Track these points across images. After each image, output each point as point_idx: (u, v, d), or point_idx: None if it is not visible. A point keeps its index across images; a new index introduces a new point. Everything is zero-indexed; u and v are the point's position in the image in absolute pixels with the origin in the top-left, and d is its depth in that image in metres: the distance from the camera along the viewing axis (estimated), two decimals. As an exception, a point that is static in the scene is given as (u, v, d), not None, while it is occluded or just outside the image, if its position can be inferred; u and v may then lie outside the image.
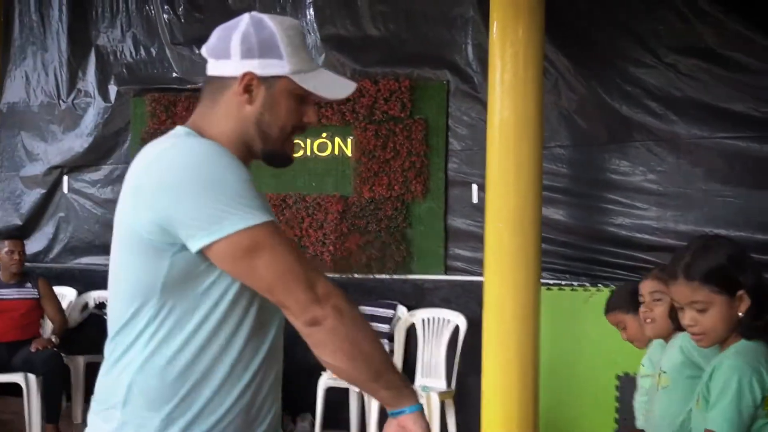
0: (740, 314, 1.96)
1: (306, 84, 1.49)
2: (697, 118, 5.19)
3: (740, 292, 1.94)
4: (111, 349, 1.43)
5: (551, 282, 5.19)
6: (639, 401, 3.12)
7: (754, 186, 5.12)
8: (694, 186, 5.23)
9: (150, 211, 1.32)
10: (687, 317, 1.99)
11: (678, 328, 2.23)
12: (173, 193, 1.32)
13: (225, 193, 1.32)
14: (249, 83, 1.46)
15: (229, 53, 1.48)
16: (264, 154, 1.54)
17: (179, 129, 1.49)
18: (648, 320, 3.02)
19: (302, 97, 1.52)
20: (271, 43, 1.46)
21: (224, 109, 1.49)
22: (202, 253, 1.31)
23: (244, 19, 1.48)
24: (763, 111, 5.06)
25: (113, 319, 1.44)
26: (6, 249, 5.81)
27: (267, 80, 1.48)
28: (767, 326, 1.99)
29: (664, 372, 2.57)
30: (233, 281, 1.37)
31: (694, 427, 2.03)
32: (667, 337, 2.85)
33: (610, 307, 3.32)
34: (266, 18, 1.50)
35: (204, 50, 1.55)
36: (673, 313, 2.23)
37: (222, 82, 1.50)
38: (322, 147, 6.17)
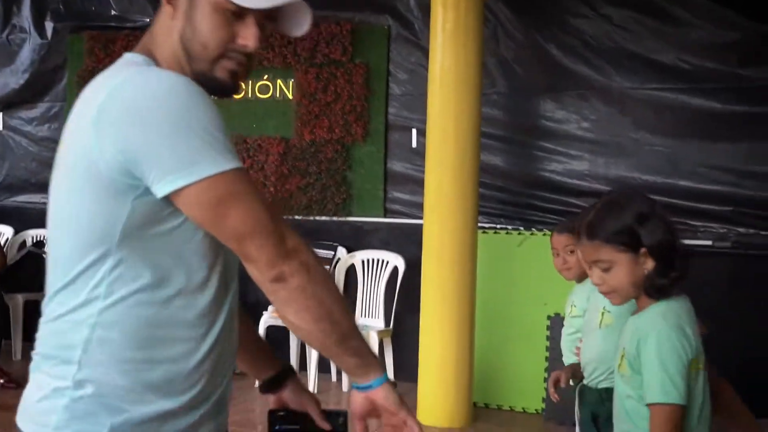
0: (646, 272, 1.90)
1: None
2: (630, 69, 5.16)
3: (642, 250, 1.88)
4: (60, 300, 1.26)
5: (487, 225, 5.16)
6: (566, 339, 3.06)
7: (681, 136, 5.17)
8: (625, 135, 5.22)
9: (114, 144, 1.15)
10: (594, 276, 1.94)
11: None
12: (142, 127, 1.15)
13: (197, 132, 1.17)
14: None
15: None
16: (196, 77, 1.31)
17: (133, 56, 1.30)
18: (564, 270, 3.09)
19: (234, 13, 1.28)
20: None
21: (159, 25, 1.34)
22: (167, 197, 1.15)
23: None
24: (692, 63, 5.10)
25: (61, 267, 1.26)
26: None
27: None
28: (673, 284, 1.92)
29: (608, 311, 2.50)
30: (196, 230, 1.22)
31: (617, 390, 1.96)
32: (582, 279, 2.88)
33: (563, 229, 3.22)
34: None
35: None
36: None
37: (158, 6, 1.38)
38: (263, 89, 6.01)
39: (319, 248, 5.81)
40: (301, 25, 1.35)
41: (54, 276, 1.27)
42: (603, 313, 2.65)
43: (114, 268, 1.19)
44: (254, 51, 1.29)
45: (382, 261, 5.63)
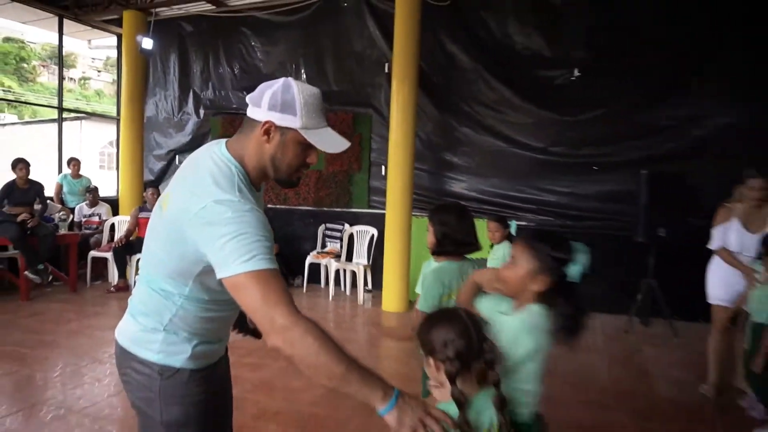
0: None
1: (310, 137, 1.32)
2: (490, 136, 6.41)
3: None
4: (156, 282, 1.40)
5: (417, 214, 6.07)
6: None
7: (513, 171, 6.34)
8: (485, 170, 6.47)
9: (196, 243, 1.27)
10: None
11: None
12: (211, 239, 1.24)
13: (241, 238, 1.22)
14: (268, 128, 1.32)
15: (260, 104, 1.33)
16: (276, 180, 1.40)
17: (230, 159, 1.35)
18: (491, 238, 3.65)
19: (307, 145, 1.34)
20: (291, 103, 1.30)
21: (252, 142, 1.35)
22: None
23: (279, 82, 1.34)
24: (518, 137, 6.27)
25: (159, 267, 1.38)
26: (150, 192, 6.41)
27: (282, 129, 1.32)
28: (454, 251, 2.17)
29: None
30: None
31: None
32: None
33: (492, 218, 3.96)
34: (294, 84, 1.33)
35: (247, 97, 1.40)
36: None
37: (254, 122, 1.35)
38: None
39: (336, 224, 6.94)
40: (339, 149, 1.39)
41: (154, 271, 1.40)
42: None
43: (191, 286, 1.37)
44: None
45: (367, 231, 6.65)
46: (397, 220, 5.99)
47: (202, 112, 7.96)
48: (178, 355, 1.39)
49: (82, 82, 29.92)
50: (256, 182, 1.41)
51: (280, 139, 1.34)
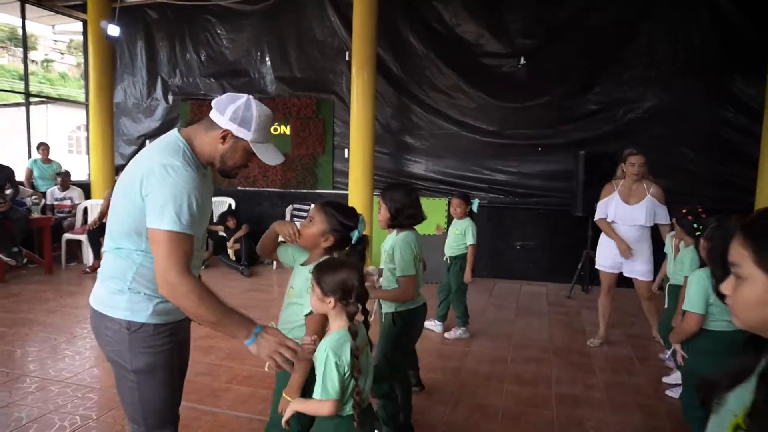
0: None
1: (256, 149, 1.54)
2: (444, 122, 6.54)
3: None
4: (117, 247, 1.53)
5: (376, 193, 5.91)
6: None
7: (464, 153, 6.51)
8: (439, 152, 6.63)
9: (145, 194, 1.43)
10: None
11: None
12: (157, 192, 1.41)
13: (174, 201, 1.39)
14: (225, 135, 1.51)
15: (224, 112, 1.51)
16: (219, 170, 1.61)
17: (179, 139, 1.52)
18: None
19: (252, 154, 1.56)
20: (249, 120, 1.50)
21: (208, 138, 1.53)
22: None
23: (242, 98, 1.53)
24: (473, 121, 6.46)
25: (118, 230, 1.52)
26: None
27: (236, 138, 1.52)
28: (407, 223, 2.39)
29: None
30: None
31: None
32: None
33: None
34: (254, 104, 1.52)
35: (213, 101, 1.55)
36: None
37: (213, 124, 1.53)
38: (275, 129, 7.20)
39: (304, 204, 7.00)
40: (276, 162, 1.60)
41: (114, 236, 1.54)
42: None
43: (145, 241, 1.48)
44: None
45: None
46: (360, 200, 6.11)
47: (170, 97, 7.92)
48: (141, 312, 1.51)
49: (45, 64, 28.66)
50: (203, 163, 1.57)
51: (232, 144, 1.54)
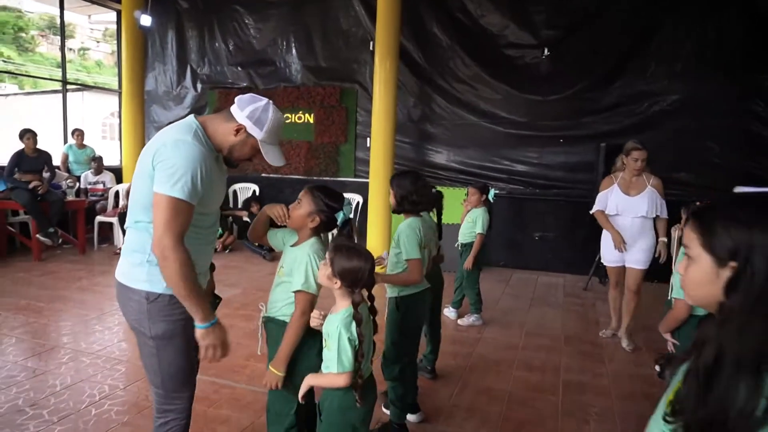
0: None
1: (263, 148, 1.68)
2: (466, 111, 6.60)
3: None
4: (138, 222, 1.64)
5: None
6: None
7: (481, 143, 6.52)
8: (459, 141, 6.66)
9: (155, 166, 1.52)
10: None
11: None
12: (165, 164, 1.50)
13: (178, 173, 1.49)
14: (239, 129, 1.64)
15: (243, 109, 1.64)
16: (225, 159, 1.73)
17: (194, 122, 1.63)
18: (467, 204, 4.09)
19: (257, 150, 1.69)
20: (264, 121, 1.65)
21: (224, 129, 1.65)
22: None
23: (263, 101, 1.67)
24: (495, 112, 6.44)
25: (137, 207, 1.63)
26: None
27: (248, 134, 1.66)
28: (413, 209, 2.44)
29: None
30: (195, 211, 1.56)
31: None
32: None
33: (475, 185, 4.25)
34: (272, 108, 1.67)
35: (237, 97, 1.69)
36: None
37: (231, 117, 1.66)
38: (300, 117, 7.37)
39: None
40: (278, 164, 1.73)
41: (133, 210, 1.64)
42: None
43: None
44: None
45: (353, 198, 6.86)
46: (380, 188, 6.09)
47: (199, 86, 8.09)
48: (159, 283, 1.61)
49: (82, 52, 29.39)
50: (215, 148, 1.69)
51: (243, 139, 1.67)
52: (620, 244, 3.77)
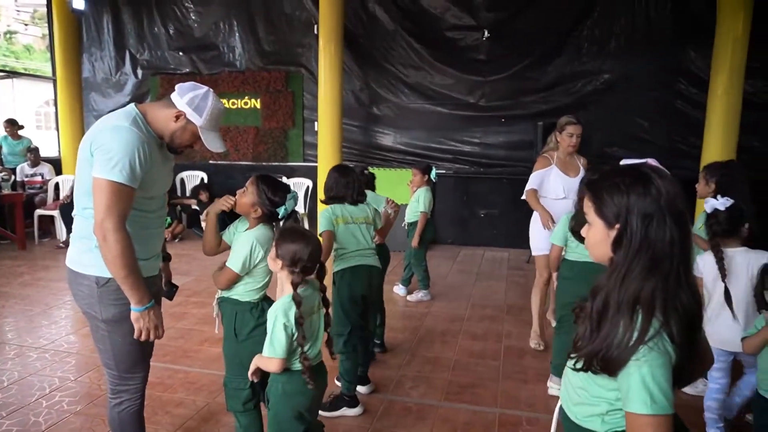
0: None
1: (202, 134, 1.72)
2: (410, 94, 6.73)
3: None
4: (83, 210, 1.66)
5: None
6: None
7: (432, 126, 6.65)
8: (407, 124, 6.81)
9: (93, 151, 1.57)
10: None
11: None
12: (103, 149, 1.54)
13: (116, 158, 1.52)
14: (179, 115, 1.67)
15: (183, 96, 1.67)
16: (168, 146, 1.75)
17: (134, 110, 1.66)
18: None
19: (197, 137, 1.73)
20: (203, 108, 1.69)
21: (164, 115, 1.68)
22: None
23: (203, 89, 1.71)
24: (442, 94, 6.56)
25: (81, 196, 1.66)
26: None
27: (188, 120, 1.69)
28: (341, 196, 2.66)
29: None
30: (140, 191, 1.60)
31: None
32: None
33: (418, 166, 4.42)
34: (212, 96, 1.71)
35: (177, 86, 1.71)
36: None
37: (172, 104, 1.69)
38: (247, 103, 7.31)
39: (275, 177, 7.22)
40: (217, 150, 1.78)
41: (78, 199, 1.68)
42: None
43: None
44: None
45: (302, 183, 7.03)
46: (327, 171, 6.09)
47: (140, 72, 7.85)
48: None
49: (8, 36, 27.60)
50: (156, 135, 1.73)
51: (183, 125, 1.70)
52: (548, 221, 3.28)
